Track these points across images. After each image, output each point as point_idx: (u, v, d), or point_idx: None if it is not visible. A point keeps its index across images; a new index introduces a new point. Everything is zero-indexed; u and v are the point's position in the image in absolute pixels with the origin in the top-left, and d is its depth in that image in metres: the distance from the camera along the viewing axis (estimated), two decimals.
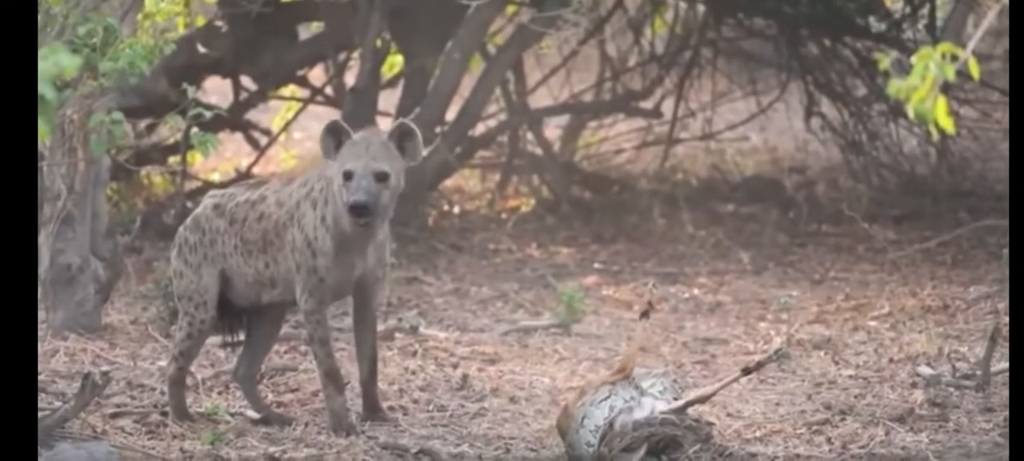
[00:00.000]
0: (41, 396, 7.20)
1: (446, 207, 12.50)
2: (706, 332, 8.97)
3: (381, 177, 6.59)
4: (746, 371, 6.56)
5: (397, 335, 8.54)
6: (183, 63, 10.97)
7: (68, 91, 6.45)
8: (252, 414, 7.08)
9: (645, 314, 6.65)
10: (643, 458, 6.24)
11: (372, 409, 6.98)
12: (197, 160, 12.60)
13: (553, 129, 13.66)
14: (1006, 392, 7.04)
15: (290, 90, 12.72)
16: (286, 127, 12.87)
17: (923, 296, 9.47)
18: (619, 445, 6.24)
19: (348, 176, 6.59)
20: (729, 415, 7.04)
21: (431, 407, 7.29)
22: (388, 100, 11.93)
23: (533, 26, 10.75)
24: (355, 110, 10.69)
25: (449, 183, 12.78)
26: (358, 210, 6.53)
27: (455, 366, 8.04)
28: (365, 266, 6.76)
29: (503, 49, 11.88)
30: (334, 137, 6.66)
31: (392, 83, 12.23)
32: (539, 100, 13.39)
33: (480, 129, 12.45)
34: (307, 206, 6.76)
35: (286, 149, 13.63)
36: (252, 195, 6.96)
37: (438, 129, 11.55)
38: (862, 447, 6.57)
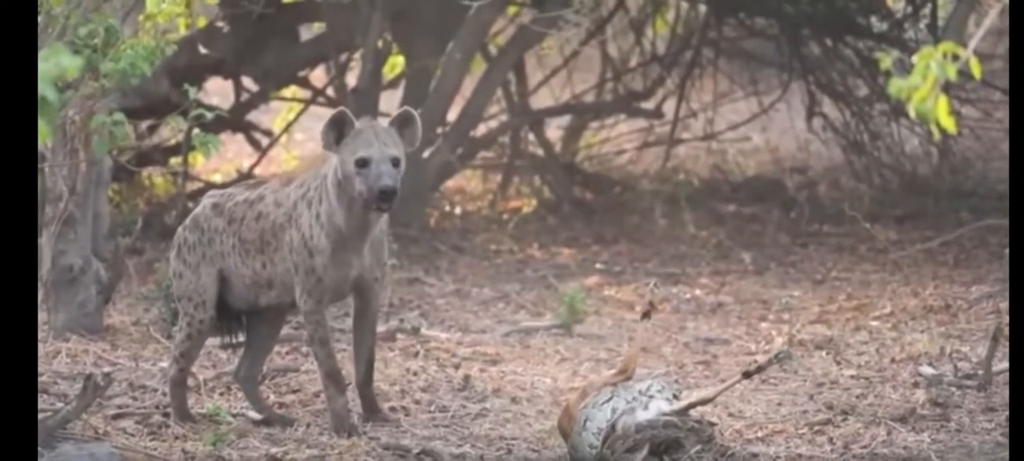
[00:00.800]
0: (43, 397, 7.20)
1: (448, 208, 12.50)
2: (708, 332, 8.97)
3: (396, 163, 6.60)
4: (747, 374, 6.55)
5: (399, 336, 8.54)
6: (184, 64, 10.98)
7: (70, 92, 6.45)
8: (254, 415, 7.07)
9: (647, 315, 6.65)
10: (645, 459, 6.24)
11: (370, 411, 6.97)
12: (198, 161, 12.60)
13: (554, 130, 13.67)
14: (1008, 392, 7.04)
15: (291, 91, 12.72)
16: (287, 128, 12.87)
17: (925, 296, 9.47)
18: (622, 447, 6.24)
19: (364, 163, 6.56)
20: (731, 415, 7.04)
21: (433, 408, 7.29)
22: (389, 101, 11.92)
23: (534, 27, 10.75)
24: (357, 111, 10.63)
25: (451, 184, 12.78)
26: (387, 194, 6.51)
27: (457, 367, 8.04)
28: (363, 265, 6.76)
29: (504, 50, 11.89)
30: (336, 129, 6.64)
31: (393, 84, 12.24)
32: (540, 101, 13.39)
33: (481, 130, 12.46)
34: (303, 206, 6.75)
35: (287, 150, 13.63)
36: (251, 195, 6.96)
37: (439, 130, 11.55)
38: (864, 447, 6.57)
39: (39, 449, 6.10)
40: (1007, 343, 7.26)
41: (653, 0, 13.34)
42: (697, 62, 13.26)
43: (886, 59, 4.76)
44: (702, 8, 13.10)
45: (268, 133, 12.88)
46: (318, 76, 13.14)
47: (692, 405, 6.38)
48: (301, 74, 12.34)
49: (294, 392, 7.50)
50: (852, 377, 7.77)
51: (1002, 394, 7.23)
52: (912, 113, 4.47)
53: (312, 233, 6.71)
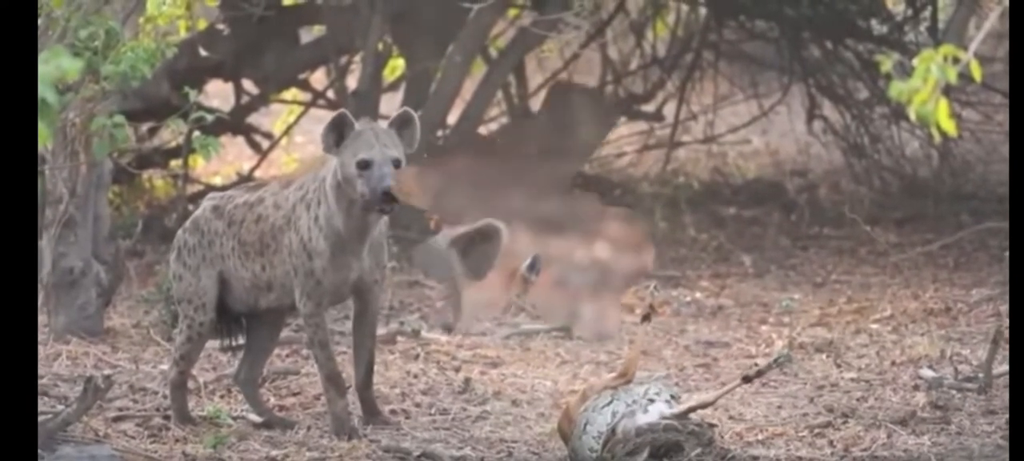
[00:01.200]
0: (43, 400, 7.20)
1: None
2: (708, 335, 8.97)
3: (397, 164, 6.60)
4: (747, 378, 6.54)
5: (399, 339, 8.54)
6: (185, 66, 10.98)
7: (70, 94, 6.45)
8: (254, 417, 7.07)
9: (647, 317, 6.64)
10: None
11: (370, 413, 6.97)
12: (199, 164, 12.60)
13: None
14: (1008, 394, 7.03)
15: (292, 93, 12.72)
16: (288, 131, 12.87)
17: (925, 299, 9.46)
18: (622, 450, 6.24)
19: (365, 165, 6.56)
20: (731, 418, 7.04)
21: (433, 410, 7.29)
22: (390, 104, 11.92)
23: (535, 29, 10.75)
24: (357, 114, 10.63)
25: None
26: (389, 197, 6.52)
27: (457, 369, 8.04)
28: (362, 268, 6.76)
29: (505, 52, 11.89)
30: (336, 131, 6.64)
31: (394, 86, 12.24)
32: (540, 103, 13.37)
33: (482, 132, 12.45)
34: (302, 209, 6.75)
35: (288, 153, 13.62)
36: (251, 197, 6.95)
37: (440, 132, 11.55)
38: (864, 450, 6.57)
39: (39, 451, 6.09)
40: (1007, 346, 7.26)
41: (653, 3, 13.33)
42: (697, 65, 13.26)
43: (886, 62, 4.75)
44: (702, 11, 13.10)
45: (268, 136, 12.88)
46: (318, 79, 13.14)
47: (692, 408, 6.37)
48: (301, 77, 12.34)
49: (294, 395, 7.50)
50: (852, 380, 7.77)
51: (1002, 397, 7.23)
52: (912, 116, 4.47)
53: (311, 235, 6.71)
